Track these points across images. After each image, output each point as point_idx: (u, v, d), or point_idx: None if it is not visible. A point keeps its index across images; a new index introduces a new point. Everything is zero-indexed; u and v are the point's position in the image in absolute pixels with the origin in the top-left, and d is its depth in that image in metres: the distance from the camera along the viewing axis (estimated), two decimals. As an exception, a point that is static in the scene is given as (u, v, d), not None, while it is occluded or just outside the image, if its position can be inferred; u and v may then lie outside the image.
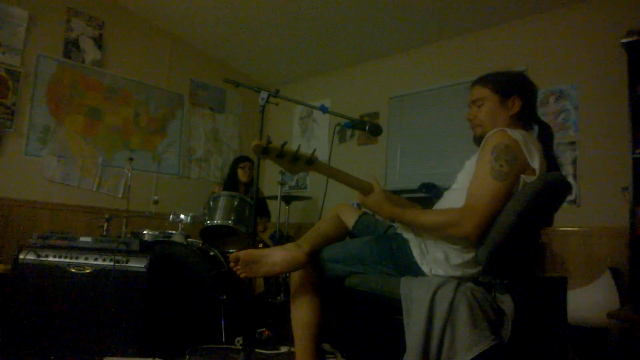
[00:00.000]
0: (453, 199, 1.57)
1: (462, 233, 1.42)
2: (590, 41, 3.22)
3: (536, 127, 1.66)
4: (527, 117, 1.63)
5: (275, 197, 3.91)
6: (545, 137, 1.62)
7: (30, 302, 2.40)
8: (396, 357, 1.42)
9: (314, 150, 1.53)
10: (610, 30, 3.09)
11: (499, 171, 1.40)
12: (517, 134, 1.46)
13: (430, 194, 3.25)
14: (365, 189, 1.59)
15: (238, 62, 5.16)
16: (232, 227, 3.21)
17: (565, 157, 3.19)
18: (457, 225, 1.41)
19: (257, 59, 5.01)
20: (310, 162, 1.50)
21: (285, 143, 1.44)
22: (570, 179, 3.14)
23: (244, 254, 1.55)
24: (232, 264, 1.57)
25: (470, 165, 1.59)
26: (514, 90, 1.60)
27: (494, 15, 3.62)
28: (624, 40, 2.73)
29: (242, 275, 1.56)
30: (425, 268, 1.52)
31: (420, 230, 1.57)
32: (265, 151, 1.41)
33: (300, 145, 1.56)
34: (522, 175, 1.43)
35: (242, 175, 4.13)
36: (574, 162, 3.17)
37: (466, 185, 1.50)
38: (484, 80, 1.66)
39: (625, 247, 2.72)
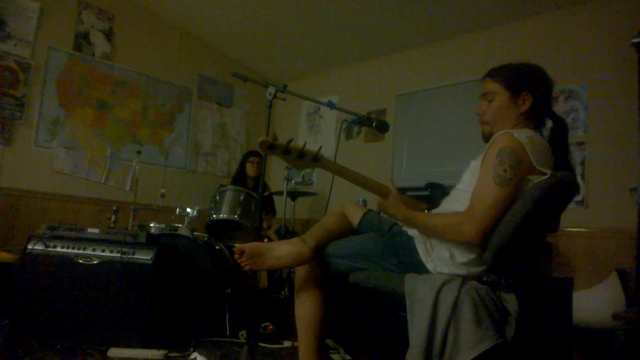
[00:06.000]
0: (458, 200, 1.57)
1: (463, 238, 1.42)
2: (600, 41, 3.19)
3: (549, 123, 1.62)
4: (538, 114, 1.59)
5: (281, 193, 3.92)
6: (559, 132, 1.58)
7: (37, 292, 2.42)
8: (399, 354, 1.42)
9: (320, 148, 1.54)
10: (620, 30, 3.06)
11: (502, 177, 1.39)
12: (523, 136, 1.43)
13: (435, 193, 3.24)
14: (382, 192, 1.58)
15: (246, 57, 5.16)
16: (238, 222, 3.22)
17: (574, 158, 3.17)
18: (459, 229, 1.42)
19: (265, 54, 5.01)
20: (316, 160, 1.50)
21: (291, 140, 1.45)
22: (578, 179, 3.12)
23: (249, 246, 1.56)
24: (236, 256, 1.57)
25: (475, 165, 1.57)
26: (526, 86, 1.55)
27: (503, 13, 3.59)
28: (634, 41, 2.70)
29: (246, 268, 1.57)
30: (429, 266, 1.52)
31: (429, 234, 1.57)
32: (271, 147, 1.43)
33: (306, 142, 1.56)
34: (529, 177, 1.42)
35: (250, 169, 4.13)
36: (583, 162, 3.15)
37: (471, 186, 1.49)
38: (496, 74, 1.60)
39: (632, 249, 2.69)
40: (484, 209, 1.39)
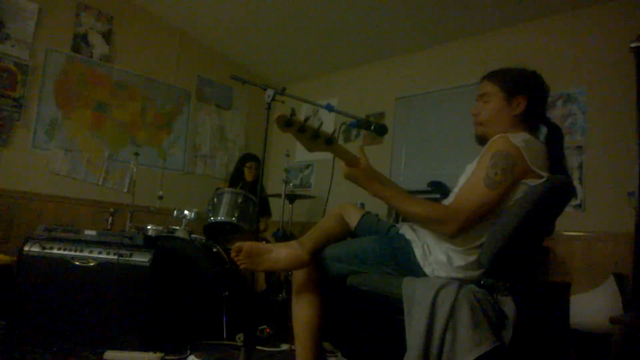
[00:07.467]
0: None
1: (443, 231, 1.44)
2: (599, 45, 3.21)
3: (544, 129, 1.64)
4: (532, 118, 1.60)
5: (279, 196, 3.92)
6: (554, 139, 1.59)
7: (34, 294, 2.41)
8: (397, 357, 1.42)
9: (334, 131, 1.52)
10: (619, 34, 3.07)
11: (492, 179, 1.40)
12: (519, 139, 1.44)
13: (440, 193, 3.23)
14: (350, 161, 1.54)
15: (245, 59, 5.17)
16: (235, 224, 3.21)
17: (571, 162, 3.18)
18: (440, 223, 1.43)
19: (264, 57, 5.02)
20: (330, 142, 1.48)
21: (307, 118, 1.43)
22: (576, 184, 3.12)
23: (247, 245, 1.56)
24: (233, 254, 1.57)
25: (471, 169, 1.57)
26: (522, 89, 1.57)
27: (502, 17, 3.61)
28: (632, 45, 2.71)
29: (242, 266, 1.57)
30: (427, 269, 1.52)
31: (402, 214, 1.56)
32: (288, 124, 1.42)
33: (322, 123, 1.53)
34: (525, 180, 1.42)
35: (247, 174, 4.13)
36: (580, 166, 3.16)
37: None
38: (494, 76, 1.63)
39: (629, 253, 2.70)
40: (468, 208, 1.40)
